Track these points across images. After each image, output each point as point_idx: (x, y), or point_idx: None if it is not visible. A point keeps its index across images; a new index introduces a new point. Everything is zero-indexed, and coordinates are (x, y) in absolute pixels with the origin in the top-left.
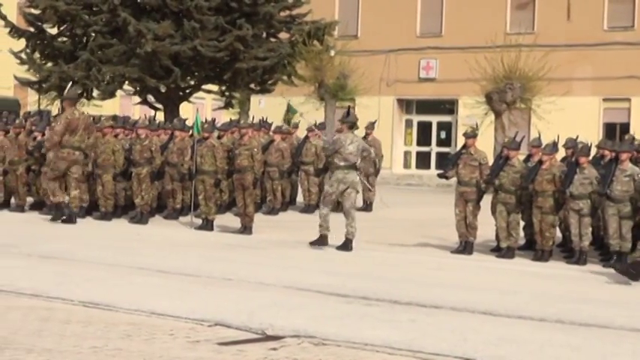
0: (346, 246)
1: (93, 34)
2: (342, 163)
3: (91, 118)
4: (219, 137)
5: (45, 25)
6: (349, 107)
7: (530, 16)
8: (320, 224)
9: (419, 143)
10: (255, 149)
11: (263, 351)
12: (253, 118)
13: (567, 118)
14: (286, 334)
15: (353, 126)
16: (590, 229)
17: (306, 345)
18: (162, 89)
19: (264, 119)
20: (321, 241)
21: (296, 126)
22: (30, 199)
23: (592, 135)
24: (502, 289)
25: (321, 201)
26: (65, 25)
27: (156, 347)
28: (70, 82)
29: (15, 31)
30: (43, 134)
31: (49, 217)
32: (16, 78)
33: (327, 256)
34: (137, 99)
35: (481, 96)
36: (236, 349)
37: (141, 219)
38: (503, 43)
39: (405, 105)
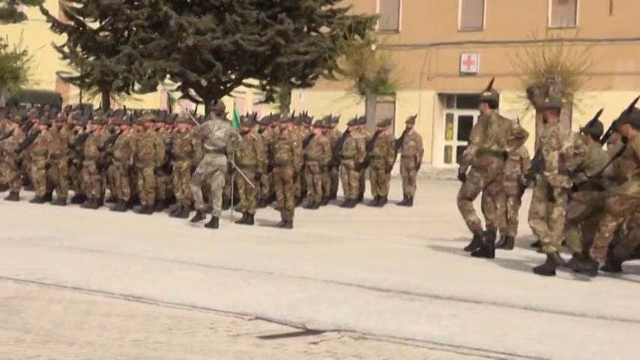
0: (213, 224)
1: (134, 29)
2: (210, 148)
3: None
4: (260, 131)
5: (86, 20)
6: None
7: (572, 10)
8: (194, 200)
9: (460, 138)
10: (295, 143)
11: (303, 345)
12: (294, 112)
13: (609, 113)
14: (327, 328)
15: (220, 113)
16: None
17: (346, 339)
18: (204, 83)
19: (305, 113)
20: (197, 217)
21: (336, 120)
22: (71, 193)
23: None
24: (543, 284)
25: (191, 181)
26: (107, 20)
27: (197, 341)
28: None
29: (57, 26)
30: (85, 128)
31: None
32: (58, 75)
33: (367, 250)
34: (179, 93)
35: (522, 90)
36: (276, 342)
37: (181, 213)
38: (544, 37)
39: (446, 99)
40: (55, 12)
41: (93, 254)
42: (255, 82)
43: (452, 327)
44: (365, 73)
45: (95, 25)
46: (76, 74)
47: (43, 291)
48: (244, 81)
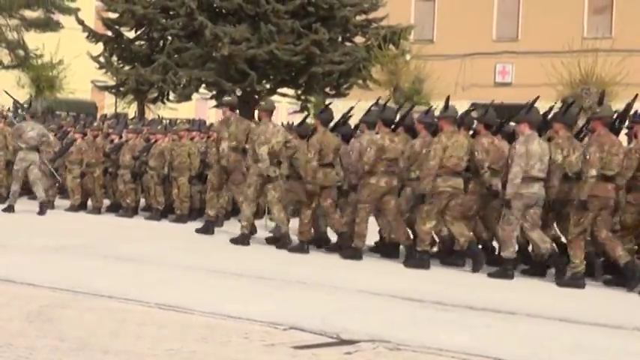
0: (41, 210)
1: (170, 38)
2: (23, 145)
3: None
4: None
5: (122, 29)
6: (31, 97)
7: (608, 20)
8: (11, 195)
9: None
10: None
11: (338, 355)
12: None
13: None
14: (361, 338)
15: (34, 115)
16: None
17: (381, 350)
18: (238, 93)
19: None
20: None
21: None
22: (107, 201)
23: None
24: (578, 295)
25: (13, 179)
26: (142, 29)
27: (231, 350)
28: None
29: (93, 36)
30: (121, 137)
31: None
32: (94, 84)
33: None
34: (213, 102)
35: (557, 101)
36: (311, 352)
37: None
38: (580, 47)
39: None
40: (91, 22)
41: (127, 263)
42: (289, 91)
43: (487, 338)
44: (399, 83)
45: (131, 35)
46: (112, 83)
47: (78, 299)
48: (279, 90)
